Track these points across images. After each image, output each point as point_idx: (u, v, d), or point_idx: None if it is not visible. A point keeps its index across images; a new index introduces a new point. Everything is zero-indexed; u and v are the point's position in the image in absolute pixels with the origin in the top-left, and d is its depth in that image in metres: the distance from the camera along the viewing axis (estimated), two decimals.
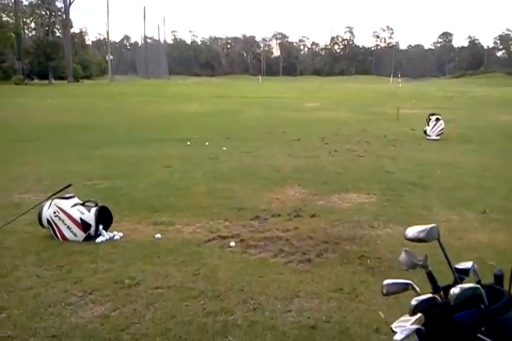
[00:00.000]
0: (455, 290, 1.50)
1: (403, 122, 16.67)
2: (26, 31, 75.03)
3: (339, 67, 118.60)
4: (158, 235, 5.03)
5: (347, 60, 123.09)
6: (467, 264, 1.72)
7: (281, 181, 7.54)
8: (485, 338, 1.50)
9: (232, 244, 4.76)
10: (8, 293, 3.78)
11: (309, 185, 7.30)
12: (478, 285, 1.56)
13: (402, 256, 1.76)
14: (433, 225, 1.72)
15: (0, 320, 3.36)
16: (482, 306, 1.55)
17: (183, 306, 3.51)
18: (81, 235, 4.98)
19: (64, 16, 69.56)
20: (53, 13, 70.89)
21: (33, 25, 76.44)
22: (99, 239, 4.94)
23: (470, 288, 1.52)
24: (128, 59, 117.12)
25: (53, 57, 64.41)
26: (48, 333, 3.17)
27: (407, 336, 1.53)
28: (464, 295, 1.50)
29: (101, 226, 5.04)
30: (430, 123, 12.94)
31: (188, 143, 11.76)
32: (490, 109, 23.75)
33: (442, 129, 12.86)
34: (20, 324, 3.29)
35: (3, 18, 63.89)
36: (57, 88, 48.98)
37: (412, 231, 1.75)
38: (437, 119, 12.89)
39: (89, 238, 4.97)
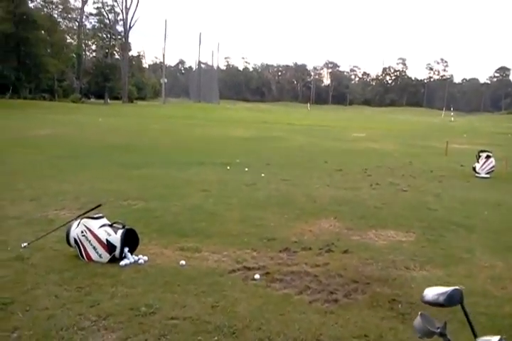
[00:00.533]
0: None
1: (452, 157, 16.11)
2: (87, 53, 78.67)
3: (390, 97, 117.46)
4: (182, 262, 4.91)
5: (398, 91, 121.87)
6: (493, 339, 1.48)
7: (316, 212, 7.31)
8: None
9: (257, 276, 4.56)
10: (24, 312, 3.73)
11: (346, 218, 7.04)
12: None
13: (417, 321, 1.54)
14: (456, 287, 1.50)
15: (11, 340, 3.28)
16: None
17: None
18: (106, 256, 4.91)
19: (123, 40, 72.53)
20: (113, 37, 74.02)
21: (93, 47, 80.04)
22: (123, 262, 4.86)
23: None
24: (181, 82, 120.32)
25: (110, 78, 67.01)
26: None
27: None
28: None
29: (126, 249, 4.96)
30: (480, 160, 12.40)
31: (228, 167, 11.73)
32: None
33: (493, 167, 12.29)
34: None
35: (68, 40, 67.41)
36: (111, 108, 50.77)
37: (431, 292, 1.54)
38: (488, 157, 12.35)
39: (114, 260, 4.90)
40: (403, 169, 12.98)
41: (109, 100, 65.56)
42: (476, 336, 1.49)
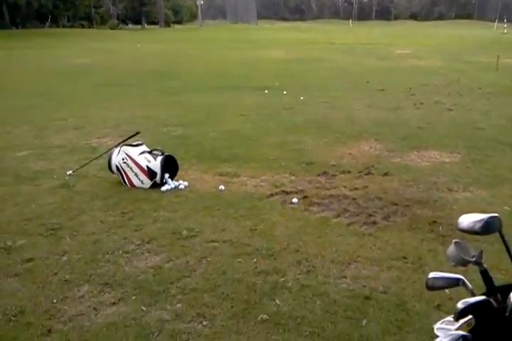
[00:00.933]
0: None
1: (503, 73, 15.15)
2: None
3: (438, 10, 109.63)
4: (221, 187, 4.96)
5: (447, 3, 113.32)
6: None
7: (356, 135, 7.14)
8: None
9: (295, 200, 4.57)
10: (72, 236, 3.91)
11: (386, 140, 6.85)
12: None
13: (451, 250, 1.47)
14: (493, 214, 1.40)
15: (61, 263, 3.48)
16: None
17: (236, 263, 3.44)
18: (147, 182, 5.02)
19: None
20: None
21: None
22: (164, 188, 4.96)
23: None
24: (218, 4, 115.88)
25: (146, 2, 65.21)
26: (101, 280, 3.24)
27: None
28: None
29: (167, 175, 5.05)
30: None
31: (266, 91, 11.48)
32: None
33: None
34: (78, 269, 3.38)
35: None
36: (148, 33, 49.83)
37: (467, 220, 1.44)
38: None
39: (156, 185, 5.01)
40: (450, 87, 12.36)
41: (146, 25, 64.25)
42: None
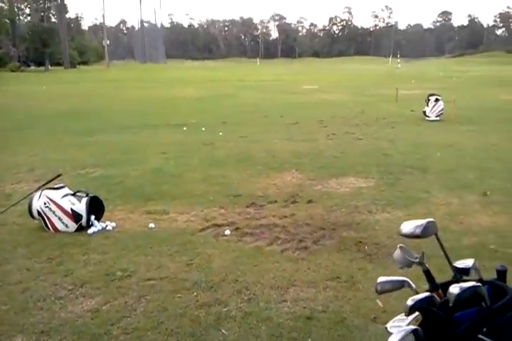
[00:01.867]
0: (454, 290, 1.39)
1: (402, 103, 16.45)
2: (21, 17, 74.06)
3: (338, 48, 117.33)
4: (151, 225, 4.92)
5: (346, 41, 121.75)
6: (467, 263, 1.60)
7: (278, 166, 7.41)
8: (487, 339, 1.39)
9: (227, 232, 4.65)
10: None
11: (306, 169, 7.18)
12: (480, 284, 1.44)
13: (397, 253, 1.64)
14: (430, 220, 1.60)
15: None
16: (483, 305, 1.43)
17: (176, 298, 3.42)
18: (72, 226, 4.87)
19: (59, 1, 68.52)
20: None
21: (27, 10, 75.44)
22: (90, 230, 4.83)
23: (471, 287, 1.40)
24: (125, 43, 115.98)
25: (49, 43, 63.58)
26: (36, 329, 3.08)
27: (403, 338, 1.41)
28: (464, 295, 1.38)
29: (93, 217, 4.92)
30: (429, 103, 12.74)
31: (184, 128, 11.60)
32: (490, 88, 23.48)
33: (442, 110, 12.67)
34: (8, 320, 3.20)
35: None
36: (53, 74, 48.52)
37: (408, 226, 1.63)
38: (436, 100, 12.69)
39: (81, 229, 4.86)
40: (357, 118, 13.20)
41: (50, 66, 62.44)
42: (450, 262, 1.60)
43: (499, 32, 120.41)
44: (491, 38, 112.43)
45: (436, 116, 12.61)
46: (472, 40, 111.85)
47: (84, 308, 3.33)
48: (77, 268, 3.98)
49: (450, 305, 1.39)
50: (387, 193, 5.91)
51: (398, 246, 1.66)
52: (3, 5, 64.77)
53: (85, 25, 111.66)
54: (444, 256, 1.59)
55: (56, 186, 5.04)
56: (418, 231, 1.57)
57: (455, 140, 9.62)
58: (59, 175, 5.28)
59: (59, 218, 4.86)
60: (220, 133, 10.64)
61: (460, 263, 1.61)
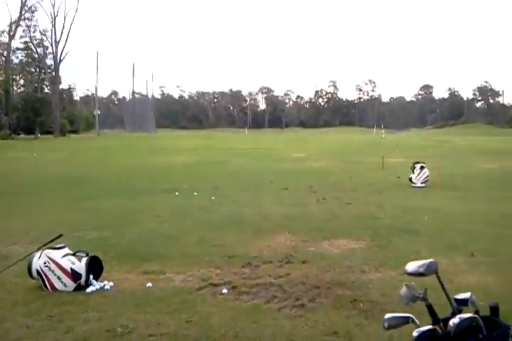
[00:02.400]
0: (454, 321, 1.58)
1: (388, 171, 16.98)
2: (15, 88, 76.20)
3: (323, 119, 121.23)
4: (149, 284, 5.00)
5: (331, 112, 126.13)
6: (466, 295, 1.80)
7: (271, 229, 7.59)
8: None
9: (225, 291, 4.74)
10: None
11: (299, 232, 7.35)
12: (476, 316, 1.63)
13: (403, 290, 1.84)
14: (431, 260, 1.81)
15: None
16: (480, 336, 1.61)
17: None
18: (71, 285, 4.92)
19: (53, 73, 71.00)
20: (43, 71, 72.32)
21: (22, 81, 77.82)
22: (89, 289, 4.88)
23: (468, 318, 1.59)
24: (115, 113, 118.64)
25: (41, 112, 64.93)
26: None
27: None
28: (462, 324, 1.57)
29: (91, 276, 5.00)
30: (415, 171, 13.23)
31: (177, 193, 11.83)
32: (471, 157, 24.33)
33: (427, 177, 13.13)
34: None
35: None
36: (43, 142, 49.17)
37: (412, 266, 1.84)
38: (422, 167, 13.19)
39: (80, 288, 4.92)
40: (345, 184, 13.59)
41: (39, 135, 63.36)
42: (448, 297, 1.79)
43: (478, 104, 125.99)
44: (471, 109, 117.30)
45: (421, 183, 13.05)
46: (453, 112, 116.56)
47: None
48: (78, 325, 4.03)
49: (451, 334, 1.57)
50: (378, 254, 6.08)
51: (404, 284, 1.86)
52: None
53: (77, 95, 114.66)
54: (444, 293, 1.79)
55: (57, 246, 5.14)
56: (422, 269, 1.79)
57: (441, 205, 9.94)
58: (60, 236, 5.39)
59: (58, 277, 4.92)
60: (213, 198, 10.87)
61: (459, 296, 1.80)
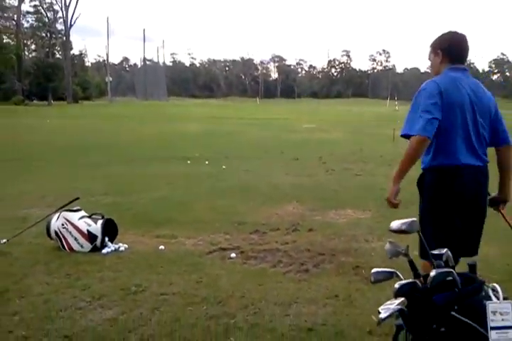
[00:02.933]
0: (431, 274, 1.75)
1: (399, 143, 16.91)
2: (26, 53, 76.08)
3: (336, 89, 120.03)
4: (161, 247, 5.24)
5: (344, 83, 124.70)
6: (442, 250, 1.97)
7: (279, 198, 7.78)
8: (457, 315, 1.73)
9: (233, 255, 4.97)
10: (20, 298, 3.97)
11: (307, 201, 7.54)
12: (452, 270, 1.80)
13: (387, 246, 2.01)
14: (414, 219, 1.97)
15: (14, 322, 3.54)
16: (456, 289, 1.79)
17: (187, 311, 3.71)
18: (87, 246, 5.18)
19: (64, 38, 70.66)
20: (54, 35, 72.04)
21: (33, 46, 77.60)
22: (104, 250, 5.14)
23: (445, 272, 1.76)
24: (127, 80, 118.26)
25: (53, 78, 65.07)
26: (60, 334, 3.36)
27: (390, 315, 1.76)
28: (439, 277, 1.74)
29: (107, 238, 5.24)
30: None
31: (188, 161, 12.04)
32: None
33: None
34: (33, 326, 3.47)
35: (5, 40, 64.82)
36: (56, 109, 49.52)
37: (396, 224, 2.00)
38: None
39: (96, 249, 5.17)
40: (355, 155, 13.70)
41: (52, 101, 63.68)
42: (428, 251, 1.96)
43: (494, 77, 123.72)
44: (486, 83, 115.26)
45: None
46: None
47: (103, 317, 3.61)
48: (94, 283, 4.28)
49: (429, 286, 1.74)
50: (383, 224, 6.23)
51: (388, 240, 2.02)
52: (10, 41, 66.85)
53: (89, 61, 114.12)
54: (425, 248, 1.95)
55: (74, 209, 5.38)
56: (404, 227, 1.95)
57: None
58: (77, 198, 5.63)
59: (75, 238, 5.17)
60: (224, 167, 11.06)
61: (436, 251, 1.97)
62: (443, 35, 3.04)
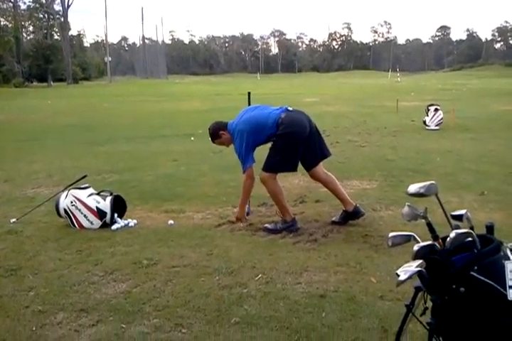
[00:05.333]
0: (451, 235, 1.74)
1: (403, 114, 16.87)
2: (25, 34, 75.26)
3: (337, 62, 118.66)
4: (170, 221, 5.27)
5: (345, 56, 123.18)
6: (461, 211, 1.96)
7: None
8: (477, 275, 1.73)
9: (242, 226, 4.99)
10: (34, 274, 4.02)
11: None
12: (471, 231, 1.79)
13: (405, 209, 2.00)
14: (432, 182, 1.96)
15: (29, 297, 3.60)
16: (475, 250, 1.79)
17: (200, 281, 3.75)
18: (97, 223, 5.21)
19: (62, 19, 69.73)
20: (51, 16, 71.03)
21: (31, 28, 76.65)
22: (114, 227, 5.17)
23: (464, 233, 1.76)
24: (126, 60, 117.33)
25: (52, 59, 64.59)
26: (75, 307, 3.41)
27: (410, 277, 1.76)
28: (458, 238, 1.74)
29: (116, 214, 5.27)
30: (429, 113, 13.14)
31: (192, 138, 12.00)
32: (489, 99, 23.93)
33: (441, 119, 13.06)
34: (48, 300, 3.53)
35: (2, 22, 64.09)
36: (57, 90, 49.25)
37: (414, 187, 1.99)
38: (436, 110, 13.09)
39: (105, 225, 5.21)
40: (359, 127, 13.61)
41: (52, 82, 63.28)
42: (446, 215, 1.96)
43: (497, 46, 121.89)
44: (489, 51, 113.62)
45: (435, 126, 13.01)
46: (471, 53, 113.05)
47: (116, 290, 3.66)
48: (106, 258, 4.32)
49: (448, 247, 1.74)
50: (390, 193, 6.26)
51: (406, 203, 2.02)
52: (8, 23, 66.01)
53: (87, 42, 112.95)
54: (444, 214, 1.94)
55: (83, 186, 5.40)
56: (422, 190, 1.94)
57: (454, 147, 10.00)
58: (85, 176, 5.64)
59: (84, 215, 5.20)
60: None
61: (455, 212, 1.97)
62: None
